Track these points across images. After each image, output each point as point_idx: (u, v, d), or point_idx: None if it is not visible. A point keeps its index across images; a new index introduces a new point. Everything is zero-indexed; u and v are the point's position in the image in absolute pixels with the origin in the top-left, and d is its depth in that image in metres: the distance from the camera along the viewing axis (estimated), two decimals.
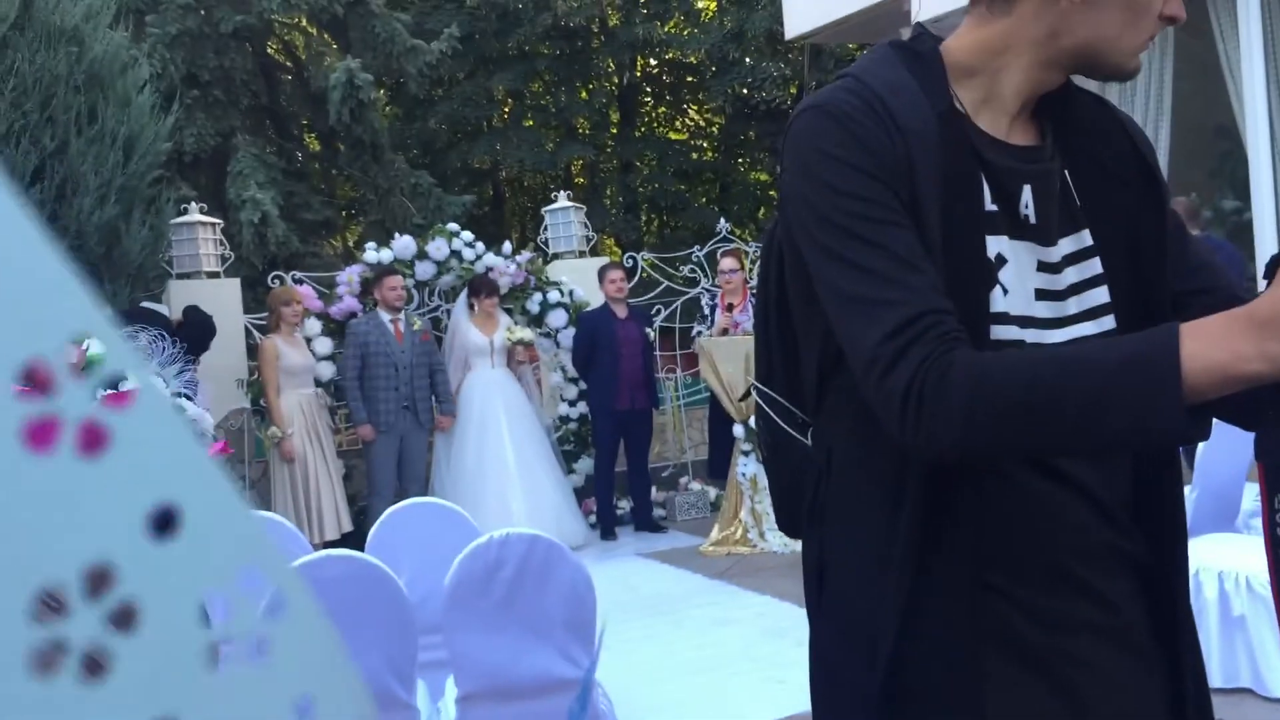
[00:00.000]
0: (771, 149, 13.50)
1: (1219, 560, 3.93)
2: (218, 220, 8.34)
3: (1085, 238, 1.27)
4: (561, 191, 9.38)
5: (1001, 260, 1.21)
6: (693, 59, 16.53)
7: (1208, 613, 3.88)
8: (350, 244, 15.39)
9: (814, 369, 1.28)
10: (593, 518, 7.51)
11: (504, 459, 6.82)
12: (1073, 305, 1.24)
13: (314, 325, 7.18)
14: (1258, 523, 4.45)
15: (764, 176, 16.56)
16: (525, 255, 8.10)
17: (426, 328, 7.09)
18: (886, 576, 1.20)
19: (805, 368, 1.30)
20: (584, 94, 16.79)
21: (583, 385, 7.57)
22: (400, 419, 6.69)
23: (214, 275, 7.85)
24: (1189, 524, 3.64)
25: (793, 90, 13.85)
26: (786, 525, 1.43)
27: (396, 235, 8.02)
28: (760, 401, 1.42)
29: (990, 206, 1.22)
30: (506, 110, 17.26)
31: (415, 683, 2.99)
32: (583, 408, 7.72)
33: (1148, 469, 1.24)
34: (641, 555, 6.84)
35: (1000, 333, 1.18)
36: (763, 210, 16.47)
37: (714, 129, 17.16)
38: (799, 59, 13.57)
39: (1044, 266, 1.24)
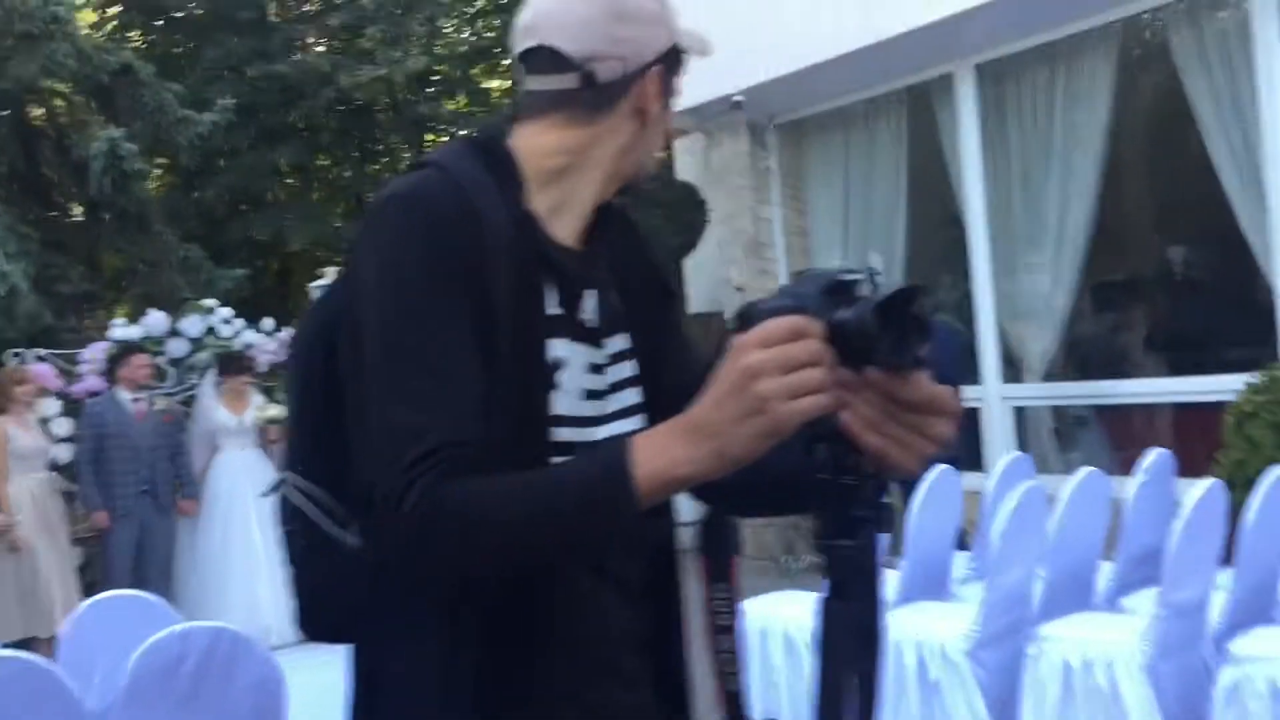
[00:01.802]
0: None
1: (918, 629, 4.14)
2: None
3: (626, 341, 1.34)
4: (331, 268, 9.26)
5: (560, 363, 1.25)
6: None
7: (907, 679, 4.08)
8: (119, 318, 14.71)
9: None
10: None
11: (252, 544, 6.60)
12: (613, 404, 1.31)
13: (53, 405, 6.82)
14: (965, 590, 4.73)
15: None
16: (288, 332, 7.93)
17: (172, 408, 6.83)
18: (450, 694, 1.20)
19: (358, 460, 1.21)
20: (373, 168, 16.67)
21: None
22: (139, 504, 6.39)
23: None
24: (902, 593, 3.84)
25: None
26: (316, 630, 1.33)
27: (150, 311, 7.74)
28: (295, 495, 1.29)
29: (555, 310, 1.26)
30: (291, 183, 16.96)
31: None
32: None
33: (660, 556, 1.31)
34: None
35: (560, 434, 1.23)
36: None
37: None
38: None
39: (593, 367, 1.30)
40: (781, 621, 4.46)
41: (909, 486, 5.24)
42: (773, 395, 0.97)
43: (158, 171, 15.67)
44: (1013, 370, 6.91)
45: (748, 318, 1.02)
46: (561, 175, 1.29)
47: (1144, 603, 3.80)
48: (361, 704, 1.27)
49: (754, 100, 7.74)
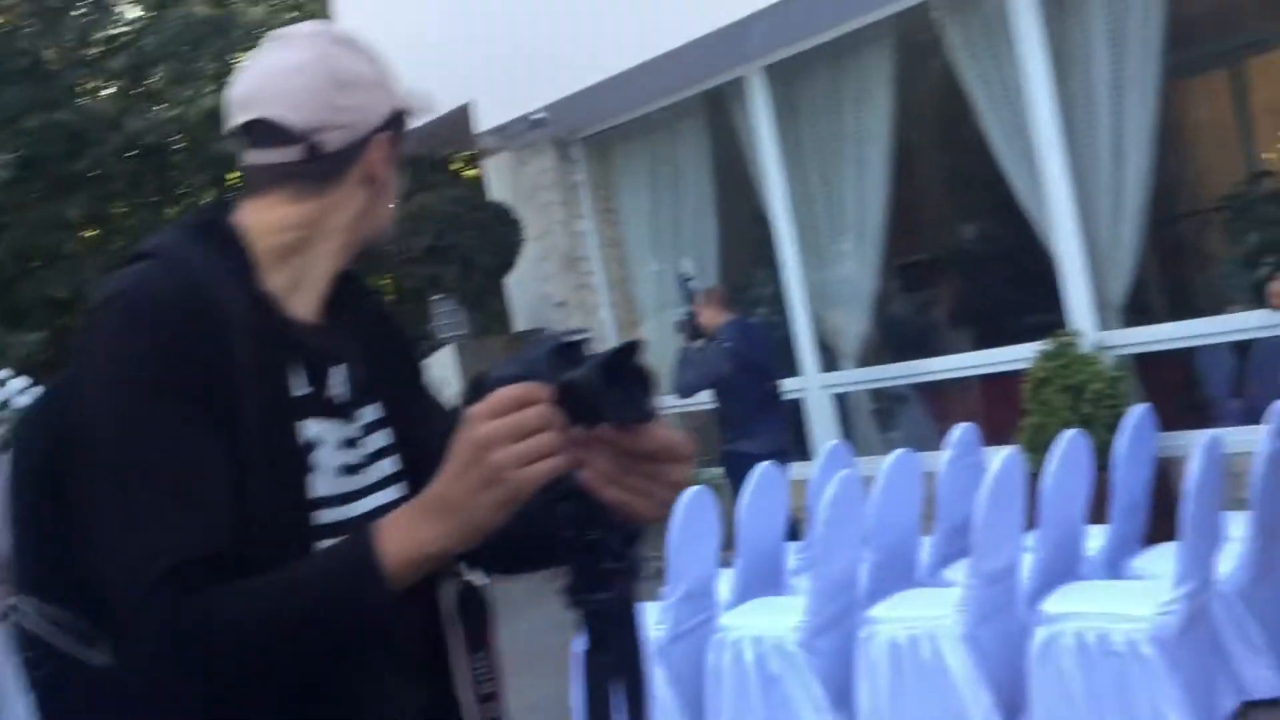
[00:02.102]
0: (366, 253, 13.40)
1: (753, 626, 4.23)
2: None
3: (378, 410, 1.31)
4: None
5: (313, 444, 1.22)
6: None
7: (748, 676, 4.16)
8: None
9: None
10: None
11: None
12: (371, 475, 1.29)
13: None
14: (798, 581, 4.84)
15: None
16: None
17: None
18: None
19: (97, 577, 1.13)
20: (173, 212, 16.05)
21: None
22: None
23: None
24: (737, 592, 3.89)
25: None
26: None
27: None
28: (31, 620, 1.19)
29: (302, 391, 1.23)
30: (88, 234, 16.20)
31: None
32: None
33: (433, 630, 1.30)
34: None
35: (322, 517, 1.20)
36: None
37: None
38: None
39: (349, 442, 1.27)
40: None
41: (737, 481, 5.36)
42: (506, 464, 0.99)
43: None
44: (829, 358, 7.12)
45: (479, 388, 1.03)
46: (295, 251, 1.26)
47: (962, 573, 3.95)
48: None
49: (557, 116, 7.78)
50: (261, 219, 1.26)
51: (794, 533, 5.38)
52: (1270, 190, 6.37)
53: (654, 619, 4.45)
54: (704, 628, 4.44)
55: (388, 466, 1.31)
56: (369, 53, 1.30)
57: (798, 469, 6.16)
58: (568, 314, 8.29)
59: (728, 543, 5.45)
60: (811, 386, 7.06)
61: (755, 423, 6.04)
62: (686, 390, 6.11)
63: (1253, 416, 4.46)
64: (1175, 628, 3.38)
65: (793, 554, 5.11)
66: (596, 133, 8.20)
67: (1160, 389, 5.90)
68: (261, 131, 1.25)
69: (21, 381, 7.30)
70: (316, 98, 1.24)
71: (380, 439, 1.31)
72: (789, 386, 6.66)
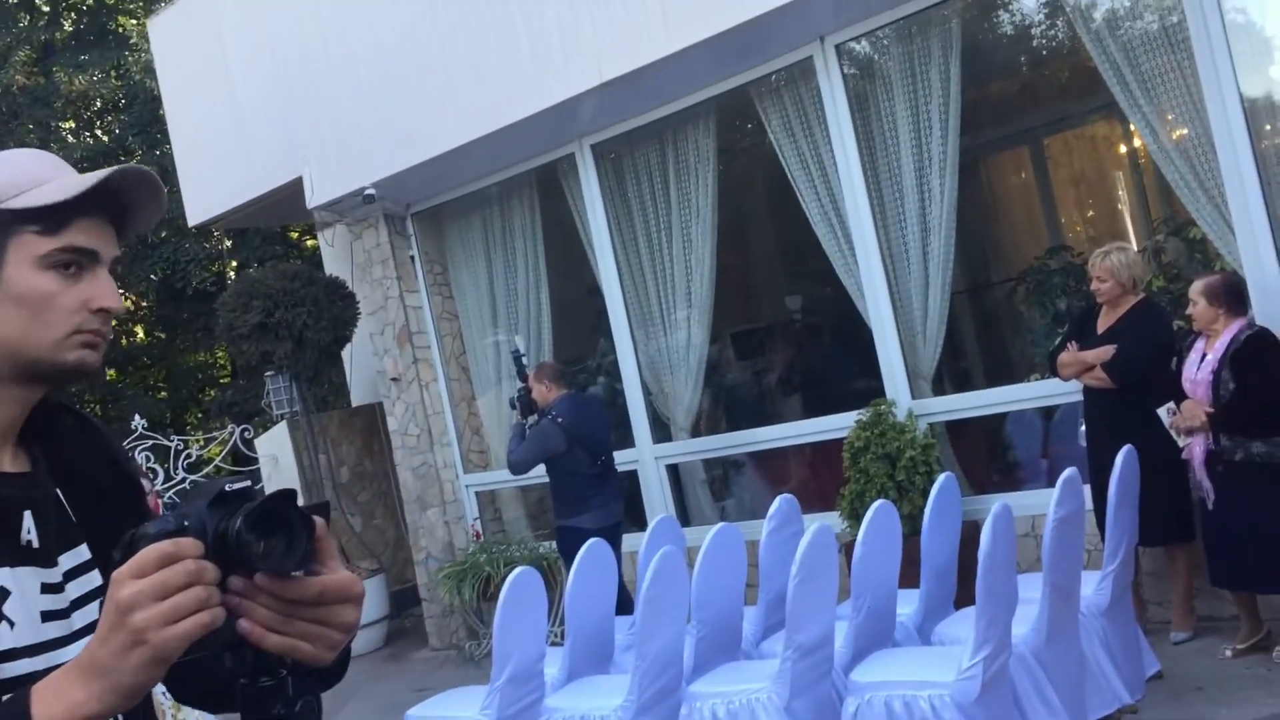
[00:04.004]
0: (207, 328, 13.03)
1: (578, 707, 4.23)
2: None
3: (84, 551, 1.27)
4: None
5: (5, 593, 1.18)
6: None
7: None
8: None
9: None
10: None
11: None
12: (79, 620, 1.24)
13: None
14: (625, 658, 4.85)
15: (203, 356, 16.01)
16: None
17: None
18: None
19: None
20: None
21: None
22: None
23: None
24: (566, 671, 3.83)
25: (216, 270, 13.62)
26: None
27: None
28: None
29: None
30: None
31: None
32: None
33: None
34: None
35: (12, 669, 1.15)
36: (208, 390, 15.85)
37: (144, 313, 16.35)
38: (223, 239, 13.36)
39: (48, 588, 1.22)
40: None
41: (570, 558, 5.36)
42: (148, 625, 0.98)
43: None
44: (662, 429, 7.23)
45: (131, 546, 1.03)
46: None
47: (781, 645, 4.03)
48: None
49: (388, 191, 7.76)
50: None
51: (629, 606, 5.41)
52: (1065, 264, 6.79)
53: (480, 704, 4.41)
54: (531, 710, 4.41)
55: (95, 611, 1.24)
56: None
57: (632, 541, 6.21)
58: (403, 388, 8.21)
59: (562, 619, 5.44)
60: (645, 458, 7.15)
61: (588, 498, 6.07)
62: (519, 467, 6.11)
63: (1055, 479, 4.69)
64: (974, 692, 3.52)
65: (623, 630, 5.13)
66: (429, 207, 8.20)
67: (970, 454, 6.18)
68: None
69: None
70: None
71: (87, 582, 1.26)
72: (623, 458, 6.73)
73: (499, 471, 8.12)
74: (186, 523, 1.03)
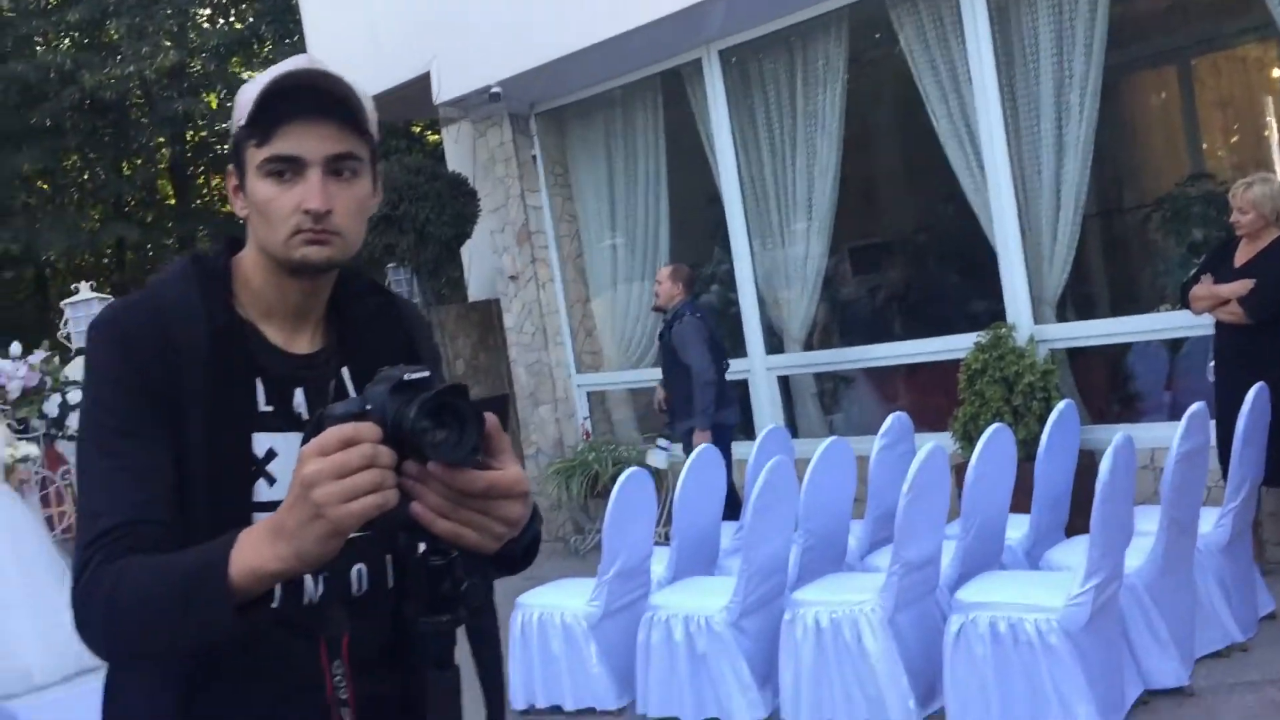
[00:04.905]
0: None
1: (683, 605, 4.34)
2: None
3: None
4: (86, 282, 8.82)
5: (272, 454, 1.35)
6: None
7: (677, 653, 4.27)
8: None
9: None
10: None
11: (3, 583, 6.28)
12: None
13: None
14: (731, 562, 4.95)
15: None
16: (39, 355, 7.53)
17: None
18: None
19: None
20: (127, 169, 15.86)
21: None
22: None
23: None
24: (671, 571, 3.98)
25: None
26: None
27: None
28: None
29: (265, 407, 1.36)
30: (43, 187, 15.96)
31: None
32: None
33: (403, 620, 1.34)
34: None
35: (264, 518, 1.25)
36: None
37: None
38: None
39: None
40: (559, 612, 4.58)
41: (725, 451, 5.50)
42: (327, 501, 1.05)
43: None
44: (775, 340, 7.23)
45: (319, 424, 1.10)
46: (252, 282, 1.39)
47: (888, 559, 4.06)
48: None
49: (513, 91, 7.79)
50: (246, 252, 1.41)
51: (737, 511, 5.50)
52: (1206, 192, 6.52)
53: (588, 596, 4.56)
54: (637, 605, 4.55)
55: None
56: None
57: (741, 449, 6.28)
58: (520, 287, 8.33)
59: (668, 520, 5.57)
60: (756, 368, 7.17)
61: (727, 396, 6.25)
62: (706, 372, 6.11)
63: (1178, 413, 4.60)
64: (1083, 619, 3.52)
65: (729, 534, 5.23)
66: (553, 108, 8.21)
67: (1091, 383, 6.06)
68: None
69: None
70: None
71: None
72: (736, 367, 6.77)
73: (610, 373, 8.24)
74: (369, 406, 1.09)
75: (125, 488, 1.26)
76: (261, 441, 1.35)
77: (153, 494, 1.27)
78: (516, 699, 4.67)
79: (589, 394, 8.32)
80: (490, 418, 1.13)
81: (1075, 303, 6.53)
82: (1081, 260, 6.05)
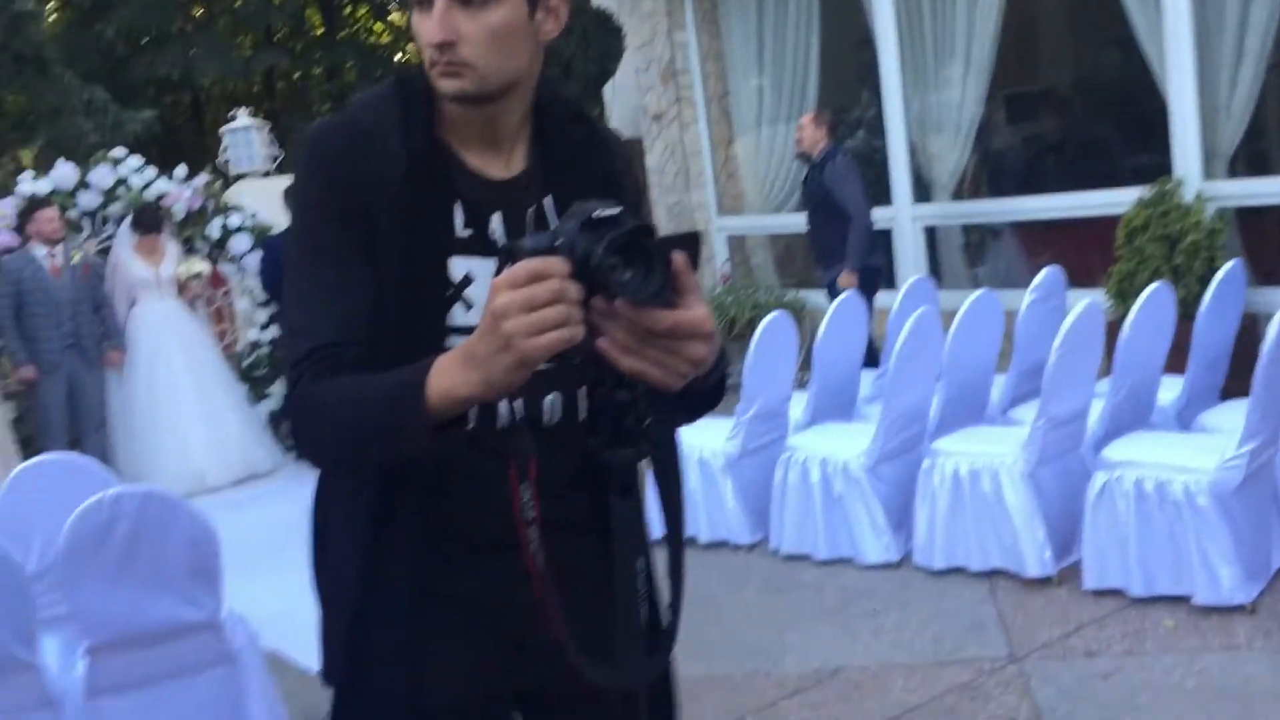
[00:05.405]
0: None
1: (821, 448, 4.39)
2: None
3: None
4: (242, 108, 9.05)
5: (469, 279, 1.36)
6: None
7: (814, 494, 4.36)
8: (25, 166, 14.27)
9: None
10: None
11: (177, 392, 6.69)
12: None
13: None
14: (871, 409, 4.97)
15: None
16: (201, 179, 7.81)
17: (90, 261, 6.77)
18: (350, 537, 1.41)
19: None
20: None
21: (273, 309, 7.45)
22: (65, 358, 6.41)
23: None
24: (810, 415, 4.03)
25: None
26: None
27: (62, 161, 7.56)
28: None
29: (463, 232, 1.37)
30: (199, 13, 16.26)
31: (36, 641, 3.01)
32: (274, 332, 7.60)
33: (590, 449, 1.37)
34: None
35: (459, 342, 1.29)
36: None
37: None
38: None
39: None
40: (696, 449, 4.68)
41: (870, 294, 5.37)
42: (515, 333, 1.08)
43: (52, 6, 14.95)
44: (922, 189, 7.05)
45: (511, 255, 1.12)
46: (447, 106, 1.37)
47: (1032, 413, 4.04)
48: (316, 546, 1.51)
49: None
50: None
51: (874, 359, 5.49)
52: None
53: (726, 434, 4.65)
54: (774, 446, 4.63)
55: None
56: None
57: (882, 298, 6.22)
58: (664, 126, 8.25)
59: (806, 365, 5.59)
60: (902, 217, 7.02)
61: (874, 241, 6.17)
62: (864, 214, 6.02)
63: None
64: (1235, 483, 3.46)
65: (868, 382, 5.23)
66: None
67: (1259, 244, 5.78)
68: None
69: (137, 161, 7.55)
70: None
71: None
72: (880, 215, 6.64)
73: (751, 216, 8.18)
74: (559, 241, 1.10)
75: (328, 308, 1.31)
76: (459, 266, 1.36)
77: (353, 315, 1.31)
78: (654, 528, 4.83)
79: (729, 238, 8.29)
80: (679, 256, 1.13)
81: (1248, 159, 6.18)
82: (1261, 113, 5.69)
